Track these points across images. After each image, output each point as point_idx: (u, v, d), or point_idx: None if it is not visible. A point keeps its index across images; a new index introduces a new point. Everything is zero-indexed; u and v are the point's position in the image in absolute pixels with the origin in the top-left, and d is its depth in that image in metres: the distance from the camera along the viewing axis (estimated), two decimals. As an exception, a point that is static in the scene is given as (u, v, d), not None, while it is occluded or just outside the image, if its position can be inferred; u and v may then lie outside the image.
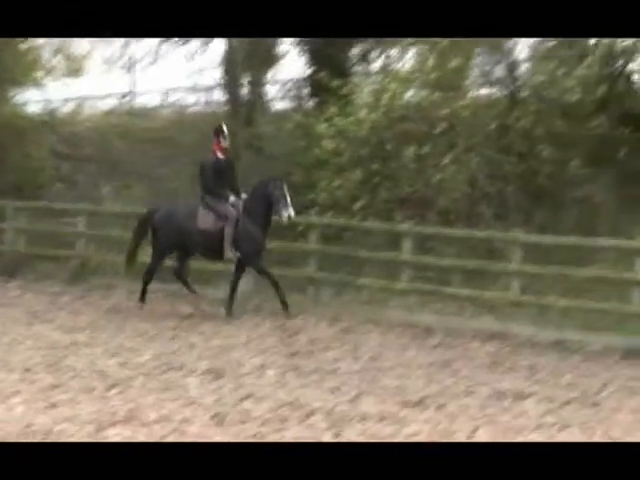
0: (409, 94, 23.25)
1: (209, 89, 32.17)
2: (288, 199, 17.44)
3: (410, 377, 14.74)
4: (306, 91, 28.68)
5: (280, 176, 18.35)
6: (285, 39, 28.86)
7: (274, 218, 18.45)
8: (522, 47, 23.30)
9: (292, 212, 17.46)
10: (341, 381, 14.29)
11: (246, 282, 21.36)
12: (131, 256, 19.55)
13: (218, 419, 11.84)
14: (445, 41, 21.29)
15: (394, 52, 25.73)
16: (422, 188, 21.68)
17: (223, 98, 30.41)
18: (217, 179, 18.69)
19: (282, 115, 29.31)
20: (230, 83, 29.16)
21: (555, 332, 17.82)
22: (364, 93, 24.08)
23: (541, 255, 19.45)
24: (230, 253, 18.16)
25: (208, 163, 19.76)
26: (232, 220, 18.12)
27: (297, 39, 27.96)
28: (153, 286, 21.37)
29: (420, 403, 12.94)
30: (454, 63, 22.16)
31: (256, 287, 21.69)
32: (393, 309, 19.89)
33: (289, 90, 30.43)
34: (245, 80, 29.11)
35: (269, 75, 30.46)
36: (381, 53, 26.97)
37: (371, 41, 26.62)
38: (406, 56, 24.88)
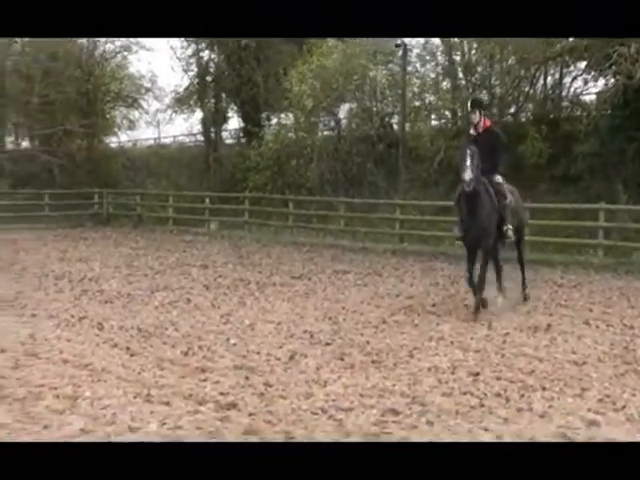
0: (290, 134, 25.90)
1: (195, 135, 33.74)
2: (467, 162, 10.43)
3: (295, 265, 16.93)
4: (241, 134, 30.50)
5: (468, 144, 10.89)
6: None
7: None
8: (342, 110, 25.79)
9: (466, 176, 10.37)
10: (262, 268, 16.42)
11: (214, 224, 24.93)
12: None
13: (206, 286, 13.89)
14: (308, 107, 24.00)
15: (283, 115, 28.18)
16: (299, 179, 24.46)
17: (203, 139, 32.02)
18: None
19: (230, 146, 31.11)
20: (206, 133, 31.12)
21: (360, 243, 20.46)
22: (268, 134, 27.11)
23: (353, 208, 22.43)
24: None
25: None
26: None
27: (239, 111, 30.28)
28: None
29: (300, 277, 15.13)
30: (312, 119, 24.97)
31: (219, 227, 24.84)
32: (286, 236, 22.61)
33: (233, 134, 32.37)
34: (213, 130, 30.93)
35: (223, 127, 31.88)
36: (277, 115, 29.19)
37: (271, 110, 29.11)
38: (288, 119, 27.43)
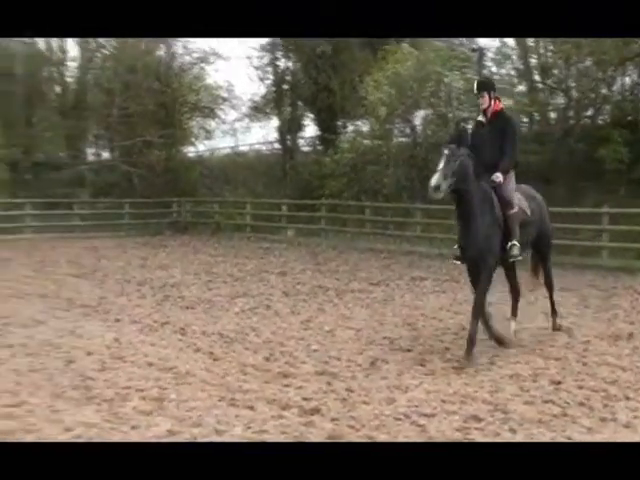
0: (365, 142, 25.95)
1: (271, 142, 33.85)
2: (440, 166, 8.51)
3: (372, 272, 16.83)
4: (317, 142, 30.83)
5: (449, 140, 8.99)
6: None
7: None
8: (417, 116, 25.28)
9: (432, 181, 8.42)
10: (340, 275, 16.39)
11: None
12: None
13: (285, 293, 13.91)
14: (383, 115, 23.78)
15: (359, 122, 28.24)
16: (375, 185, 24.15)
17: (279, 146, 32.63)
18: None
19: (306, 154, 31.52)
20: (282, 141, 31.62)
21: (437, 249, 19.81)
22: (344, 142, 27.10)
23: (429, 214, 21.93)
24: None
25: None
26: None
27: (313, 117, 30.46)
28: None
29: (378, 284, 15.08)
30: (387, 126, 24.77)
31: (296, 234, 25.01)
32: (363, 242, 22.57)
33: (309, 142, 32.56)
34: (289, 138, 31.41)
35: (299, 135, 32.24)
36: (353, 122, 29.37)
37: (347, 118, 29.28)
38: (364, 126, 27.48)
